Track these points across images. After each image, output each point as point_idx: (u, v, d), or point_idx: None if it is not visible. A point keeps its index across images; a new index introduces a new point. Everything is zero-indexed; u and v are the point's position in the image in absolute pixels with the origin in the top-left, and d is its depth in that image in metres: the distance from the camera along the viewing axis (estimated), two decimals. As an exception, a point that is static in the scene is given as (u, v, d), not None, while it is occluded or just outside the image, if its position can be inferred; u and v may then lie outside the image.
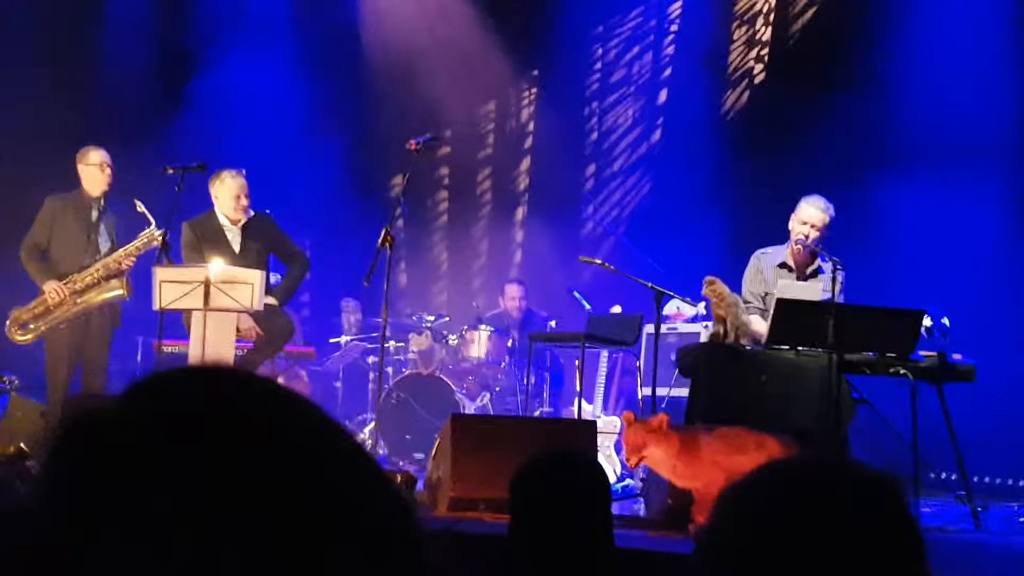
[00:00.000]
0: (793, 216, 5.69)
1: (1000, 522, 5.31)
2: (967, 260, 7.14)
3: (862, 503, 0.90)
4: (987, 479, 6.63)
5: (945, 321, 5.28)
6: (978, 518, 5.12)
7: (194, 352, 5.64)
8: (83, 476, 0.61)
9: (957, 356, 5.27)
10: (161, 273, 5.60)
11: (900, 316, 5.19)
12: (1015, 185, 7.29)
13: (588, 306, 7.79)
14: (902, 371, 5.11)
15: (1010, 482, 6.67)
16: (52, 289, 6.12)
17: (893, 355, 5.15)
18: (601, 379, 7.45)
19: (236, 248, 6.16)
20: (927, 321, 5.21)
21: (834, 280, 5.31)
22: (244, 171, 6.28)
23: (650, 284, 6.00)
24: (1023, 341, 6.87)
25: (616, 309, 7.42)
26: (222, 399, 0.65)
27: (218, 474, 0.61)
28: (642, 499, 5.51)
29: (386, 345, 7.21)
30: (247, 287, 5.58)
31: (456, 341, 7.92)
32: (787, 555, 0.88)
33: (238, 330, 5.80)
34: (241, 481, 0.61)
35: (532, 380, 7.45)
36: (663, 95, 9.41)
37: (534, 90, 9.97)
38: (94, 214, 6.30)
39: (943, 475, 6.02)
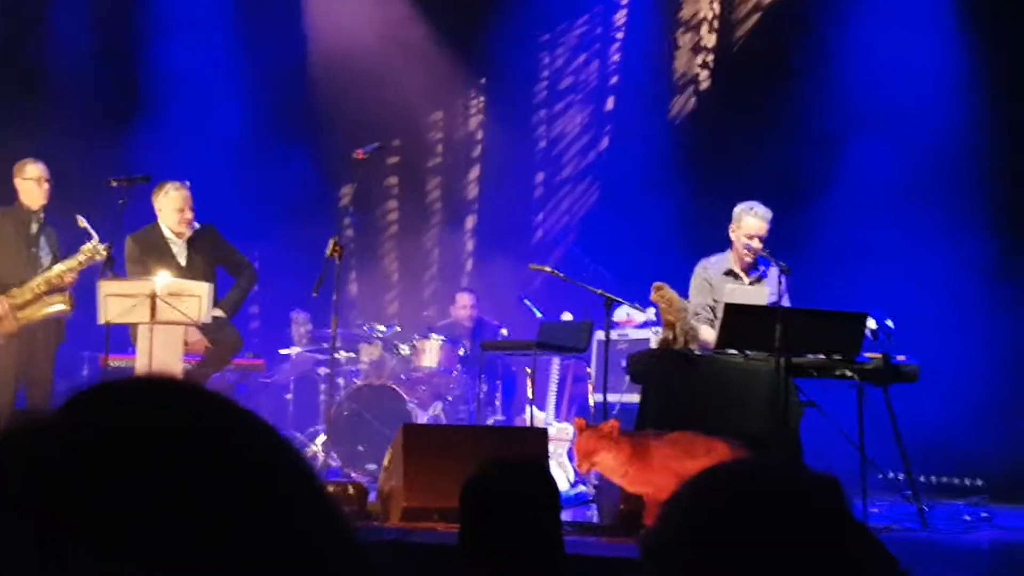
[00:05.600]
0: (735, 228, 5.76)
1: (945, 520, 5.39)
2: (910, 262, 7.26)
3: (803, 507, 0.91)
4: (933, 478, 6.74)
5: (889, 323, 5.36)
6: (924, 517, 5.20)
7: (141, 366, 5.56)
8: (20, 489, 0.60)
9: (901, 357, 5.35)
10: (106, 287, 5.52)
11: (845, 319, 5.27)
12: (957, 188, 7.43)
13: (539, 314, 7.81)
14: (848, 373, 5.18)
15: (955, 480, 6.79)
16: (-8, 304, 6.01)
17: (839, 357, 5.22)
18: (553, 386, 7.46)
19: (182, 261, 6.09)
20: (872, 323, 5.29)
21: (780, 284, 5.38)
22: (188, 183, 6.21)
23: (600, 291, 6.03)
24: (965, 341, 6.99)
25: (567, 316, 7.45)
26: (165, 410, 0.64)
27: (158, 487, 0.60)
28: (594, 505, 5.53)
29: (337, 356, 7.17)
30: (194, 299, 5.52)
31: (407, 351, 7.90)
32: (730, 559, 0.89)
33: (186, 343, 5.73)
34: (182, 493, 0.60)
35: (484, 388, 7.44)
36: (610, 102, 9.47)
37: (482, 99, 9.98)
38: (34, 227, 6.19)
39: (890, 475, 6.11)
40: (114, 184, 6.03)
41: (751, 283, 5.81)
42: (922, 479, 5.92)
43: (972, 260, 7.21)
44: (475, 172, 10.01)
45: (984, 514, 5.52)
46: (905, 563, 0.91)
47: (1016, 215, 7.20)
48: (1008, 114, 7.30)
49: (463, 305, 8.46)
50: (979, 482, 6.46)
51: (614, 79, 9.46)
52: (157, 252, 6.06)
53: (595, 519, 5.31)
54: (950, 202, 7.42)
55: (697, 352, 5.35)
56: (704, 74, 9.02)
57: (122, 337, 6.05)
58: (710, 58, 9.00)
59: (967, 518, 5.50)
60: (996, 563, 4.57)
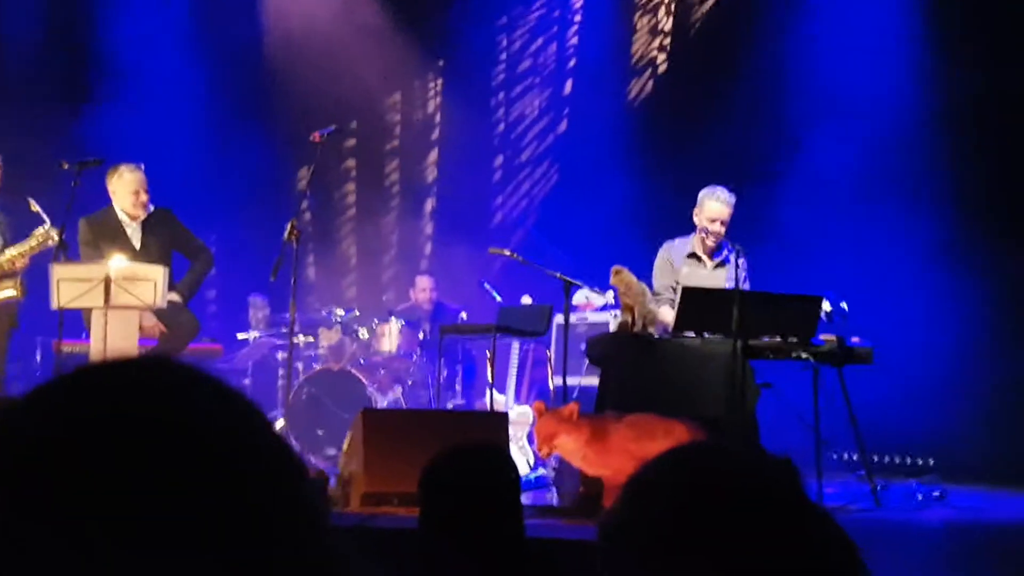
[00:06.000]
0: (698, 212, 5.79)
1: (899, 499, 5.48)
2: (864, 246, 7.34)
3: (759, 489, 0.92)
4: (886, 458, 6.84)
5: (843, 306, 5.42)
6: (878, 496, 5.28)
7: (95, 352, 5.49)
8: None
9: (856, 339, 5.42)
10: (59, 271, 5.44)
11: (801, 302, 5.32)
12: (910, 173, 7.53)
13: (498, 297, 7.81)
14: (804, 355, 5.24)
15: (908, 460, 6.90)
16: (-59, 290, 5.90)
17: (795, 340, 5.28)
18: (512, 370, 7.47)
19: (136, 244, 6.02)
20: (826, 306, 5.35)
21: (739, 267, 5.43)
22: (143, 165, 6.13)
23: (559, 274, 6.04)
24: (918, 323, 7.10)
25: (526, 300, 7.46)
26: (141, 391, 0.64)
27: (129, 470, 0.59)
28: (554, 488, 5.55)
29: (295, 340, 7.13)
30: (149, 284, 5.46)
31: (367, 335, 7.87)
32: (688, 541, 0.90)
33: (141, 328, 5.66)
34: (155, 474, 0.60)
35: (444, 373, 7.44)
36: (568, 85, 9.47)
37: (440, 81, 9.94)
38: (-17, 212, 6.09)
39: (844, 455, 6.19)
40: (66, 167, 5.94)
41: (714, 267, 5.86)
42: (876, 459, 6.01)
43: (925, 244, 7.31)
44: (433, 155, 9.97)
45: (937, 493, 5.62)
46: (859, 542, 0.92)
47: (966, 200, 7.30)
48: (963, 101, 7.39)
49: (422, 289, 8.45)
50: (931, 461, 6.57)
51: (572, 62, 9.46)
52: (111, 235, 5.98)
53: (555, 502, 5.34)
54: (903, 187, 7.51)
55: (655, 335, 5.38)
56: (661, 57, 9.05)
57: (76, 322, 5.97)
58: (667, 41, 9.03)
59: (920, 497, 5.59)
60: (948, 541, 4.65)
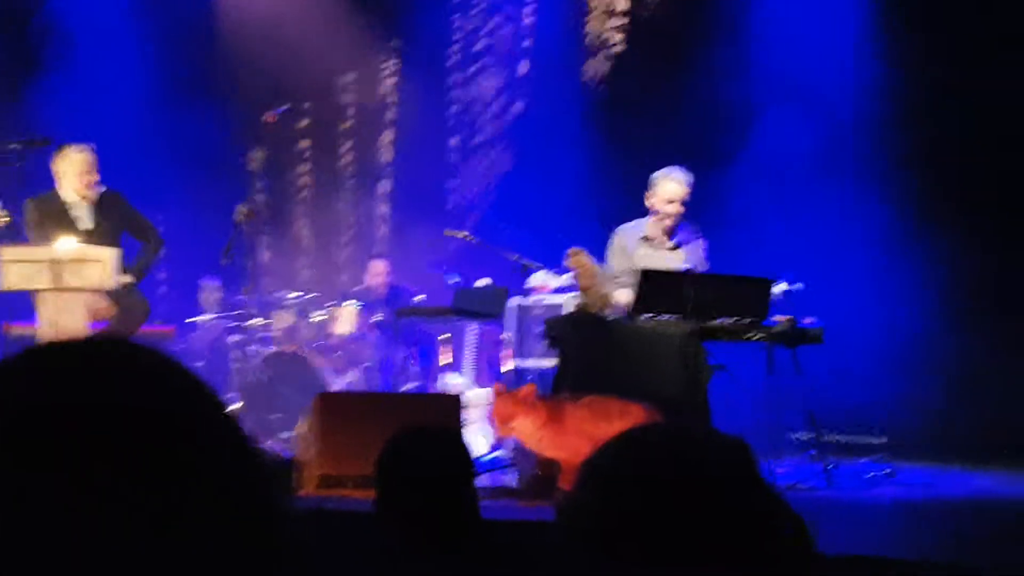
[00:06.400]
0: (653, 194, 5.78)
1: (849, 478, 5.56)
2: (816, 227, 7.42)
3: (713, 468, 0.92)
4: (837, 438, 6.93)
5: (797, 286, 5.48)
6: (829, 475, 5.36)
7: (44, 334, 5.41)
8: None
9: (808, 320, 5.47)
10: (6, 253, 5.35)
11: (754, 284, 5.37)
12: (863, 156, 7.61)
13: (455, 279, 7.79)
14: (757, 336, 5.29)
15: (859, 439, 7.00)
16: None
17: (748, 321, 5.32)
18: (469, 352, 7.46)
19: (85, 226, 5.93)
20: (779, 287, 5.40)
21: (699, 249, 5.46)
22: (92, 146, 6.02)
23: (515, 256, 6.04)
24: (868, 303, 7.19)
25: (483, 282, 7.44)
26: (86, 373, 0.63)
27: (72, 453, 0.58)
28: (512, 470, 5.57)
29: (249, 323, 7.07)
30: (99, 265, 5.38)
31: (322, 318, 7.82)
32: (642, 521, 0.90)
33: (91, 310, 5.58)
34: (99, 457, 0.59)
35: (400, 355, 7.41)
36: (524, 66, 9.45)
37: (394, 61, 9.87)
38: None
39: (796, 435, 6.27)
40: (12, 147, 5.82)
41: (670, 249, 5.86)
42: (827, 438, 6.09)
43: (876, 226, 7.40)
44: (389, 136, 9.91)
45: (887, 471, 5.71)
46: (809, 520, 0.93)
47: (918, 183, 7.40)
48: (918, 85, 7.47)
49: (377, 272, 8.40)
50: (882, 440, 6.67)
51: (527, 42, 9.43)
52: (58, 217, 5.88)
53: (512, 483, 5.35)
54: (856, 170, 7.59)
55: (612, 317, 5.39)
56: (618, 37, 9.04)
57: (24, 304, 5.87)
58: (623, 22, 9.03)
59: (870, 475, 5.67)
60: (897, 518, 4.73)
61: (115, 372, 0.64)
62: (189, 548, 0.60)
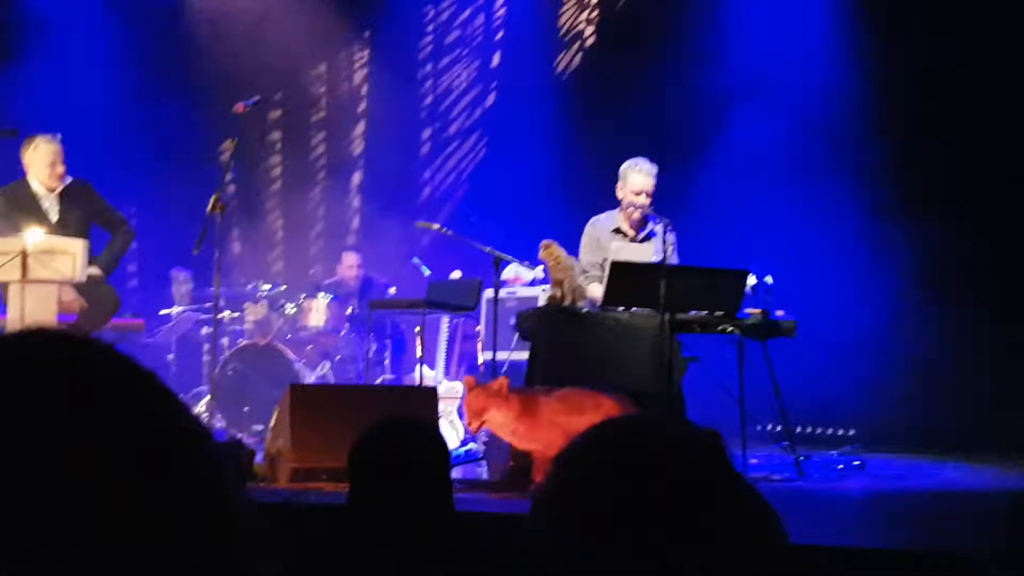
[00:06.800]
0: (622, 186, 5.80)
1: (820, 469, 5.60)
2: (788, 221, 7.46)
3: (686, 460, 0.92)
4: (809, 429, 6.99)
5: (768, 279, 5.51)
6: (800, 466, 5.40)
7: (12, 326, 5.34)
8: None
9: (780, 313, 5.50)
10: (-27, 245, 5.28)
11: (727, 276, 5.39)
12: (834, 149, 7.65)
13: (428, 272, 7.77)
14: (730, 328, 5.31)
15: (829, 431, 7.05)
16: None
17: (721, 313, 5.34)
18: (442, 345, 7.46)
19: (54, 217, 5.86)
20: (752, 280, 5.43)
21: (667, 242, 5.47)
22: (60, 136, 5.96)
23: (488, 249, 6.03)
24: (839, 297, 7.24)
25: (456, 274, 7.43)
26: (49, 362, 0.62)
27: (39, 436, 0.58)
28: (485, 462, 5.57)
29: (220, 316, 7.02)
30: (68, 257, 5.33)
31: (294, 310, 7.78)
32: (615, 512, 0.90)
33: (60, 303, 5.53)
34: (60, 443, 0.58)
35: (373, 348, 7.39)
36: (496, 58, 9.43)
37: (367, 52, 9.82)
38: None
39: (768, 427, 6.31)
40: (-21, 137, 5.75)
41: (640, 241, 5.88)
42: (799, 430, 6.13)
43: (848, 219, 7.45)
44: (361, 127, 9.86)
45: (857, 462, 5.76)
46: (781, 511, 0.94)
47: (889, 177, 7.45)
48: (889, 78, 7.52)
49: (349, 265, 8.37)
50: (852, 432, 6.73)
51: (500, 34, 9.41)
52: (26, 208, 5.81)
53: (485, 476, 5.35)
54: (828, 163, 7.64)
55: (585, 309, 5.40)
56: (590, 30, 9.05)
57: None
58: (595, 14, 9.03)
59: (840, 467, 5.72)
60: (866, 508, 4.77)
61: (49, 362, 0.64)
62: (130, 538, 0.59)
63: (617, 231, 5.86)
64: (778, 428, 5.96)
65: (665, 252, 5.41)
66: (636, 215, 5.81)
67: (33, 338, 0.65)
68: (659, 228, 5.72)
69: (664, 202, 5.88)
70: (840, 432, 6.82)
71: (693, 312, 5.32)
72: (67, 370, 0.63)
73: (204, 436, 0.66)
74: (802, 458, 5.45)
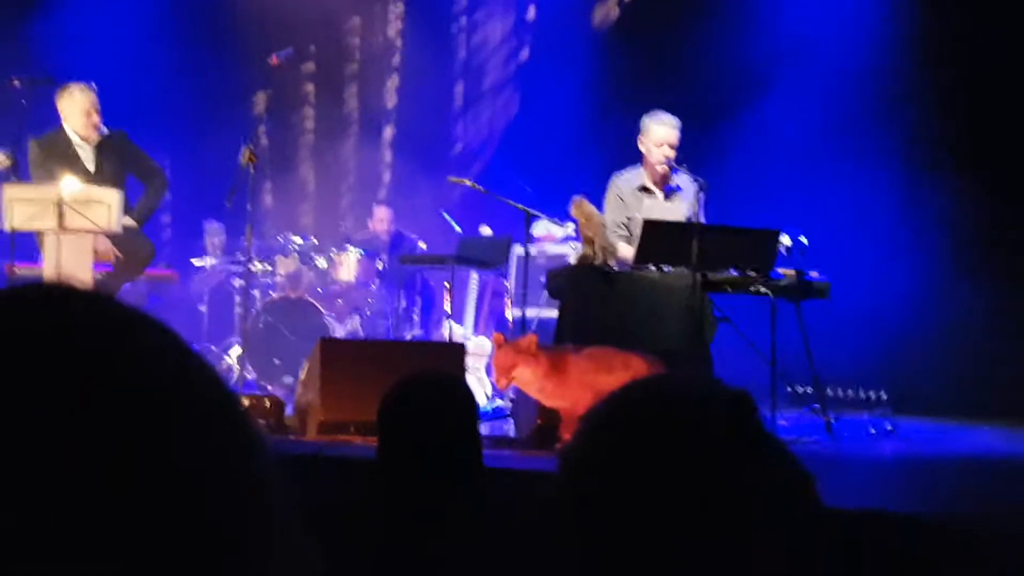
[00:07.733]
0: (645, 138, 5.71)
1: (851, 432, 5.57)
2: (823, 180, 7.37)
3: (716, 420, 0.91)
4: (840, 391, 6.94)
5: (803, 240, 5.44)
6: (831, 429, 5.37)
7: (48, 275, 5.40)
8: None
9: (814, 274, 5.45)
10: (10, 191, 5.32)
11: (760, 236, 5.33)
12: (874, 110, 7.53)
13: (458, 228, 7.76)
14: (762, 289, 5.27)
15: (861, 394, 7.00)
16: None
17: (753, 274, 5.29)
18: (471, 301, 7.46)
19: (90, 167, 5.88)
20: (785, 240, 5.37)
21: (698, 201, 5.41)
22: (95, 85, 5.96)
23: (519, 205, 6.00)
24: (873, 259, 7.16)
25: (485, 230, 7.41)
26: (64, 321, 0.60)
27: (51, 401, 0.56)
28: (512, 419, 5.58)
29: (252, 268, 7.06)
30: (104, 207, 5.36)
31: (324, 263, 7.80)
32: (644, 473, 0.89)
33: (95, 252, 5.57)
34: (77, 407, 0.56)
35: (403, 303, 7.41)
36: (532, 11, 9.32)
37: (400, 5, 9.74)
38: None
39: (799, 389, 6.27)
40: (15, 84, 5.76)
41: (665, 198, 5.81)
42: (829, 392, 6.09)
43: (881, 180, 7.35)
44: (394, 81, 9.81)
45: (888, 426, 5.72)
46: (812, 473, 0.92)
47: (926, 138, 7.33)
48: (929, 41, 7.37)
49: (380, 219, 8.37)
50: (884, 395, 6.68)
51: (536, -13, 9.31)
52: (63, 157, 5.83)
53: (512, 433, 5.37)
54: (864, 125, 7.52)
55: (615, 268, 5.37)
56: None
57: (29, 244, 5.85)
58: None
59: (872, 430, 5.68)
60: (897, 472, 4.75)
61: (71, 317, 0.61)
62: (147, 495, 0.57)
63: (643, 189, 5.79)
64: (809, 390, 5.92)
65: (692, 210, 5.36)
66: (661, 169, 5.71)
67: (70, 302, 0.62)
68: (686, 184, 5.65)
69: (701, 163, 5.81)
70: (872, 395, 6.77)
71: (725, 272, 5.27)
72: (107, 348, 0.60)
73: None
74: (833, 420, 5.42)
